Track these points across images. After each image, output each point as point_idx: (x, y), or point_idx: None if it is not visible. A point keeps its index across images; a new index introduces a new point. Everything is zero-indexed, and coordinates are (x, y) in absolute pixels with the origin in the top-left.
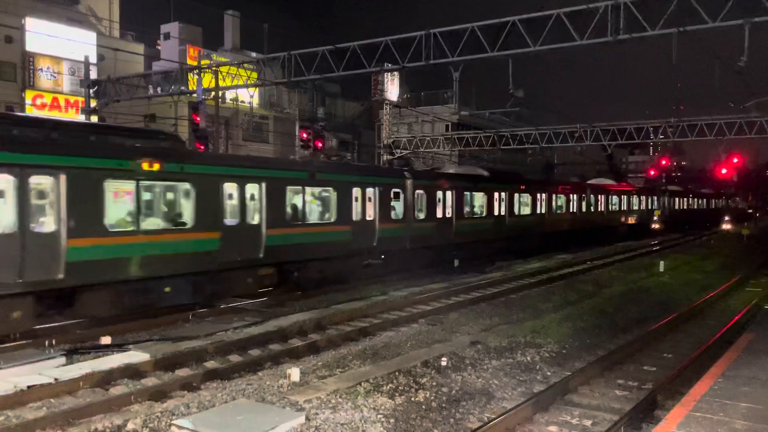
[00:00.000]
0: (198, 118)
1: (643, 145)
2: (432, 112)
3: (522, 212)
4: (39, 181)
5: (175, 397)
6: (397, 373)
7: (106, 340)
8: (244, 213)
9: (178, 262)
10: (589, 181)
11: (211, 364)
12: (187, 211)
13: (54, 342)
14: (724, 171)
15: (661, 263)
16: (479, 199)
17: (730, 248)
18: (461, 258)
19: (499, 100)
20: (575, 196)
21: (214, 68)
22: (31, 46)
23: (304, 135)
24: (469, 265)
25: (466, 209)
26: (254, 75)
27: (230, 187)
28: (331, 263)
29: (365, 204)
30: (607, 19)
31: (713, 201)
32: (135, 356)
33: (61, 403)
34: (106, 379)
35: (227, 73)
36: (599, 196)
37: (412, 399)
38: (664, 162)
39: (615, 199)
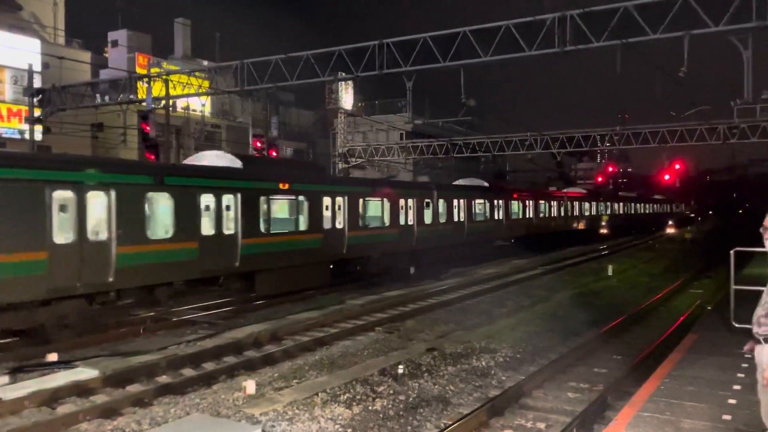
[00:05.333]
0: (148, 128)
1: (590, 152)
2: (386, 120)
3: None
4: None
5: (125, 414)
6: (354, 383)
7: (52, 357)
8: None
9: None
10: (457, 182)
11: (163, 379)
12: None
13: None
14: (667, 177)
15: (610, 267)
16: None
17: (674, 251)
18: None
19: (452, 109)
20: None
21: (164, 77)
22: None
23: (258, 144)
24: (426, 271)
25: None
26: (206, 83)
27: None
28: None
29: None
30: (554, 30)
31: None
32: (83, 373)
33: (6, 424)
34: (52, 397)
35: (178, 81)
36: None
37: (370, 408)
38: (610, 168)
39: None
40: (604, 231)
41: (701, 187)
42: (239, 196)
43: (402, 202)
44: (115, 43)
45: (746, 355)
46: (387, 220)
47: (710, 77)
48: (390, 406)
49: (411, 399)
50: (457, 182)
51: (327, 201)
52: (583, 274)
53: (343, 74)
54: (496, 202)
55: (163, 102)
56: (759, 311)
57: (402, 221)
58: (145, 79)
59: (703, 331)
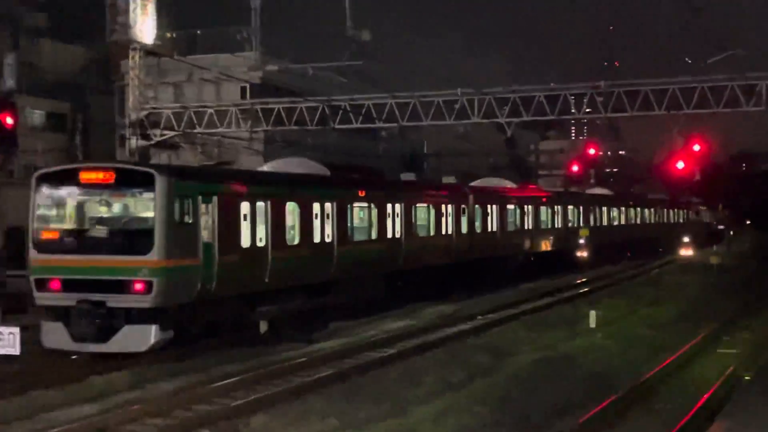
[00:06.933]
0: None
1: (560, 123)
2: (217, 64)
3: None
4: None
5: None
6: None
7: None
8: None
9: None
10: (476, 182)
11: None
12: None
13: None
14: (680, 165)
15: (592, 314)
16: None
17: (692, 287)
18: None
19: (331, 48)
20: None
21: None
22: None
23: None
24: (286, 329)
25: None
26: None
27: None
28: None
29: None
30: None
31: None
32: None
33: None
34: None
35: None
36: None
37: None
38: (591, 150)
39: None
40: (582, 253)
41: (733, 182)
42: (335, 204)
43: (444, 208)
44: None
45: None
46: (433, 229)
47: (746, 5)
48: None
49: None
50: (476, 182)
51: (389, 208)
52: (549, 325)
53: None
54: (526, 208)
55: None
56: None
57: (443, 230)
58: None
59: (738, 413)
